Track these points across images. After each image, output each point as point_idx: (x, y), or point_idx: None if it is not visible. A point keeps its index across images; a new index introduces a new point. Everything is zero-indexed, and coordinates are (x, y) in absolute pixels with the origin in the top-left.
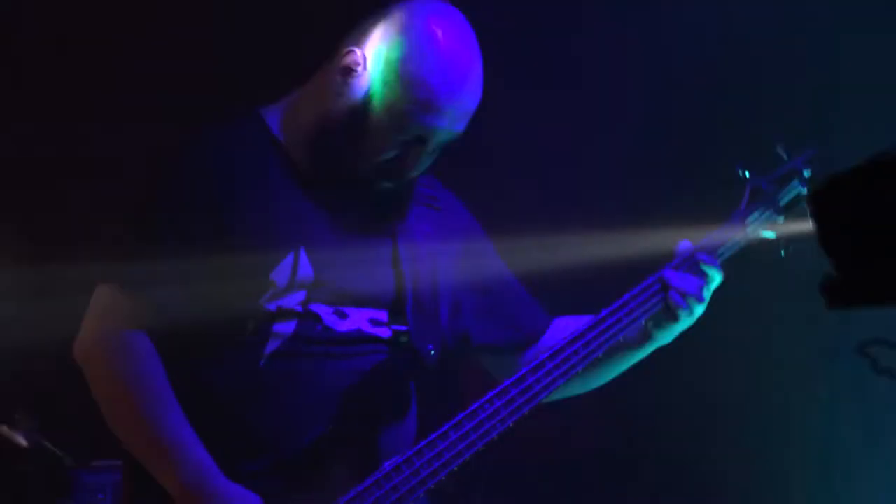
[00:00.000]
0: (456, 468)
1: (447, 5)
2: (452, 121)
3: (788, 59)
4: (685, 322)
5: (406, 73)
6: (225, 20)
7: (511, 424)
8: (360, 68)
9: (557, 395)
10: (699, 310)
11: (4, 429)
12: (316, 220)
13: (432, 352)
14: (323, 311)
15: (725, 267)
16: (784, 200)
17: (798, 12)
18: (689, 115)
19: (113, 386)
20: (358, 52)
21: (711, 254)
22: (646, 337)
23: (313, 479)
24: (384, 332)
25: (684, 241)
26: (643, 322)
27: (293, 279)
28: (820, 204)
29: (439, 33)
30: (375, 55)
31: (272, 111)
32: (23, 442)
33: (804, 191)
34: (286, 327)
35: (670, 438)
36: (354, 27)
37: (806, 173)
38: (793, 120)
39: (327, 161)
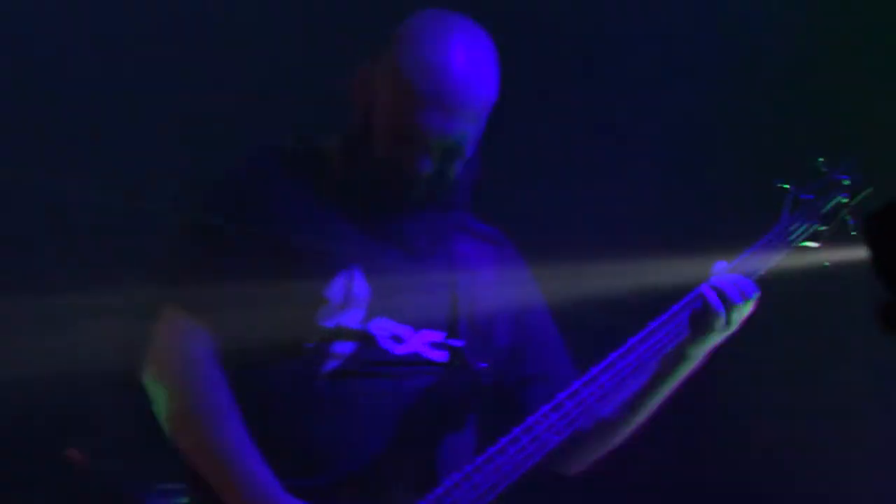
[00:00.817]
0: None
1: (441, 11)
2: (460, 118)
3: (819, 67)
4: (718, 334)
5: (398, 73)
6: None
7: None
8: (370, 82)
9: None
10: (735, 318)
11: (74, 452)
12: (373, 243)
13: (484, 371)
14: (380, 331)
15: (770, 281)
16: (825, 209)
17: (828, 19)
18: (723, 128)
19: (180, 406)
20: (368, 67)
21: (748, 273)
22: (680, 357)
23: (371, 497)
24: (441, 354)
25: (720, 262)
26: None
27: (348, 297)
28: (875, 229)
29: (430, 33)
30: (381, 68)
31: (332, 142)
32: (89, 466)
33: (844, 199)
34: (344, 347)
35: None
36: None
37: (846, 182)
38: (829, 129)
39: (357, 172)
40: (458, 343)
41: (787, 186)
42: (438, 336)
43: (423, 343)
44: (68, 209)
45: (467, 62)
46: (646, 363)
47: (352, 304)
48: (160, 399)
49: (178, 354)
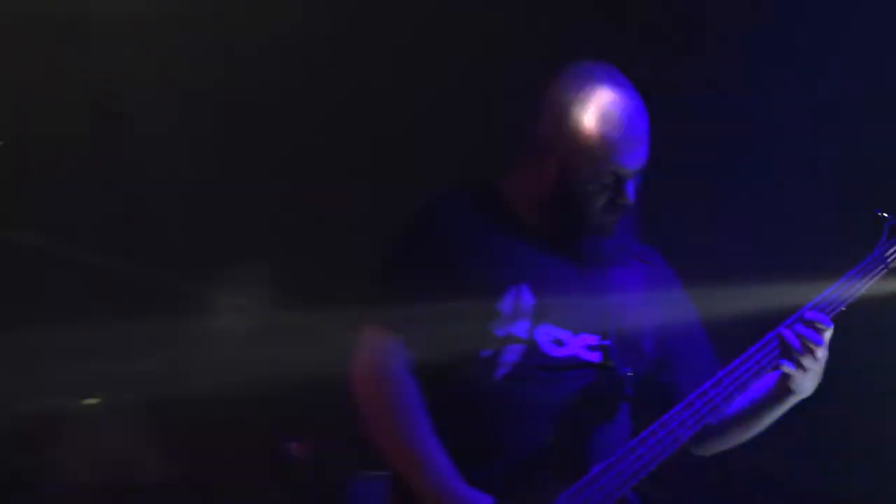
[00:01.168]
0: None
1: (591, 63)
2: (631, 158)
3: None
4: (813, 375)
5: (582, 128)
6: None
7: (693, 432)
8: (548, 139)
9: (717, 444)
10: (812, 364)
11: (294, 446)
12: (538, 263)
13: (631, 375)
14: (543, 338)
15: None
16: None
17: None
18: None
19: (378, 409)
20: (543, 123)
21: (824, 309)
22: (785, 390)
23: (534, 482)
24: (595, 357)
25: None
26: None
27: (517, 309)
28: None
29: (598, 89)
30: (556, 122)
31: (506, 180)
32: (306, 457)
33: None
34: (513, 352)
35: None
36: (538, 100)
37: None
38: None
39: (553, 222)
40: (609, 347)
41: (886, 215)
42: (593, 340)
43: (580, 346)
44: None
45: (632, 105)
46: (763, 369)
47: (519, 315)
48: (363, 401)
49: (378, 365)
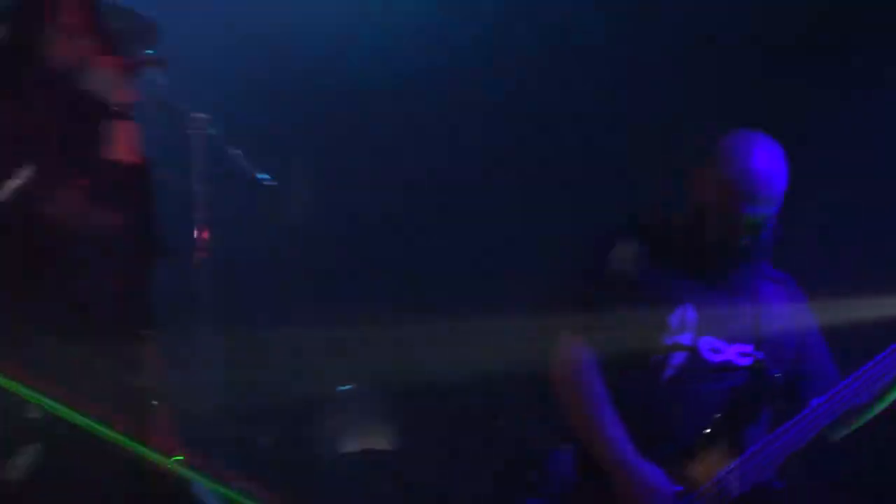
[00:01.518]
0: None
1: (746, 132)
2: (768, 209)
3: None
4: None
5: (724, 179)
6: None
7: (828, 422)
8: (704, 183)
9: (846, 430)
10: None
11: (502, 423)
12: (699, 287)
13: (778, 376)
14: (704, 346)
15: None
16: None
17: None
18: None
19: (575, 399)
20: (702, 171)
21: None
22: None
23: (697, 461)
24: (746, 362)
25: None
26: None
27: (683, 323)
28: None
29: (741, 150)
30: (712, 174)
31: (674, 216)
32: (510, 434)
33: None
34: (678, 357)
35: None
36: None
37: None
38: None
39: (710, 253)
40: (759, 354)
41: None
42: (746, 348)
43: (734, 353)
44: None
45: (768, 168)
46: (888, 373)
47: (685, 328)
48: (562, 392)
49: (574, 365)
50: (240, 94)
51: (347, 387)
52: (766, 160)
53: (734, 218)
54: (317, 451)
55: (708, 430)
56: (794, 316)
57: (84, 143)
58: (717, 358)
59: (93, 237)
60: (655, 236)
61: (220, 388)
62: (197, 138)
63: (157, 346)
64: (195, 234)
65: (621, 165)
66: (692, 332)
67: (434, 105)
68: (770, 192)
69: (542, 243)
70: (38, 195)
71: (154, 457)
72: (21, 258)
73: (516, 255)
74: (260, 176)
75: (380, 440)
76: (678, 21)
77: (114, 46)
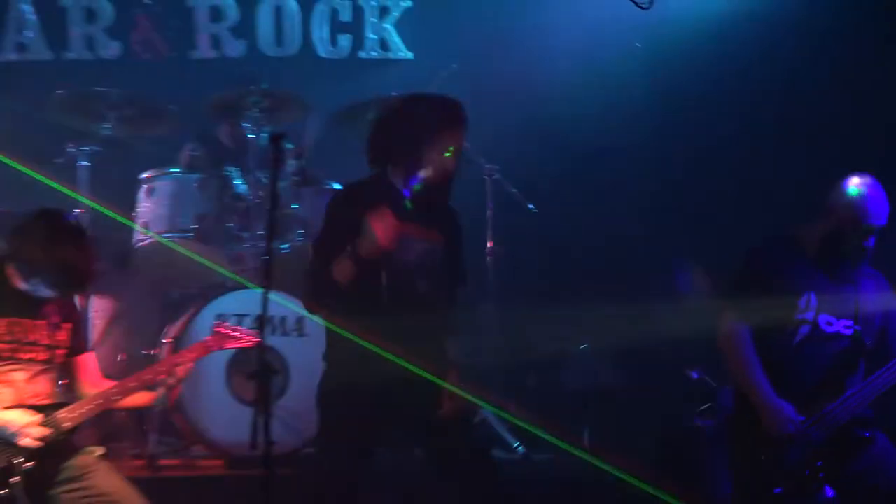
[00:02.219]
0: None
1: (860, 178)
2: (874, 223)
3: None
4: None
5: (850, 211)
6: None
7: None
8: (833, 213)
9: None
10: None
11: (695, 374)
12: (819, 280)
13: (869, 343)
14: (821, 321)
15: None
16: None
17: None
18: None
19: (734, 357)
20: (832, 205)
21: None
22: None
23: (813, 403)
24: (850, 332)
25: None
26: None
27: (807, 305)
28: None
29: (865, 184)
30: (838, 205)
31: (806, 229)
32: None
33: None
34: (804, 329)
35: None
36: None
37: None
38: None
39: (829, 256)
40: (857, 327)
41: None
42: (848, 322)
43: (841, 326)
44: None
45: (879, 195)
46: None
47: (809, 308)
48: (729, 354)
49: (734, 335)
50: (516, 149)
51: (584, 346)
52: (877, 190)
53: (862, 229)
54: (564, 390)
55: (821, 381)
56: (882, 300)
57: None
58: (830, 329)
59: (418, 254)
60: (793, 244)
61: (498, 349)
62: (489, 182)
63: (457, 320)
64: (488, 245)
65: (769, 195)
66: (813, 311)
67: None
68: (881, 210)
69: (720, 249)
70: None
71: (452, 390)
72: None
73: (702, 257)
74: (529, 206)
75: (608, 382)
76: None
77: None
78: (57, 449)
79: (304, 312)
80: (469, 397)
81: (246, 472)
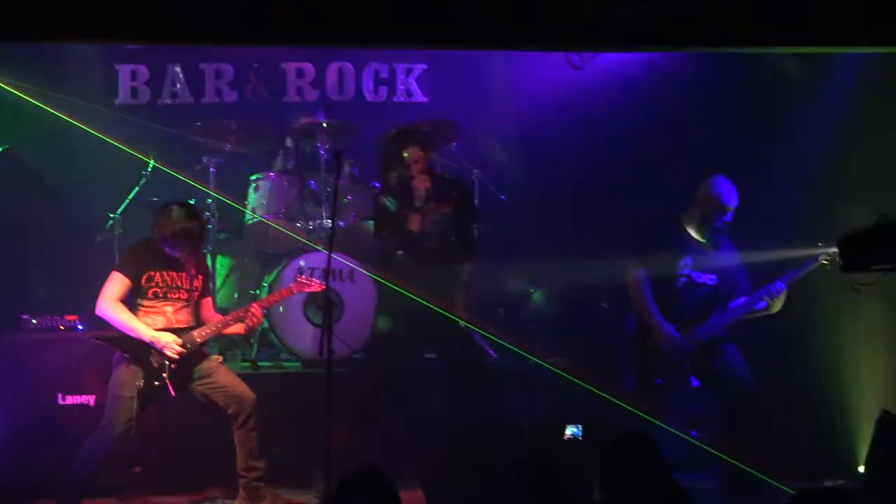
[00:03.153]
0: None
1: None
2: (729, 201)
3: None
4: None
5: (710, 197)
6: None
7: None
8: (701, 199)
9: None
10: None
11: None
12: (693, 247)
13: (725, 290)
14: (694, 274)
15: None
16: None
17: None
18: None
19: (637, 294)
20: (700, 194)
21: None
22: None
23: (688, 328)
24: (713, 282)
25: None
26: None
27: (685, 264)
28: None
29: (720, 182)
30: (704, 194)
31: (685, 213)
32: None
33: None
34: (683, 278)
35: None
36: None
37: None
38: None
39: (701, 229)
40: (716, 280)
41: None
42: (712, 276)
43: (707, 278)
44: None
45: (730, 190)
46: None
47: (686, 266)
48: (633, 294)
49: (638, 280)
50: (495, 159)
51: (536, 288)
52: (728, 187)
53: (720, 209)
54: (523, 317)
55: (694, 313)
56: (733, 262)
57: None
58: (699, 280)
59: (433, 219)
60: (676, 223)
61: (479, 291)
62: (476, 181)
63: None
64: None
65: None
66: (689, 268)
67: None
68: (732, 202)
69: (630, 226)
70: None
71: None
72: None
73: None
74: (502, 196)
75: (552, 311)
76: None
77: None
78: (191, 357)
79: (355, 266)
80: (462, 322)
81: (315, 371)
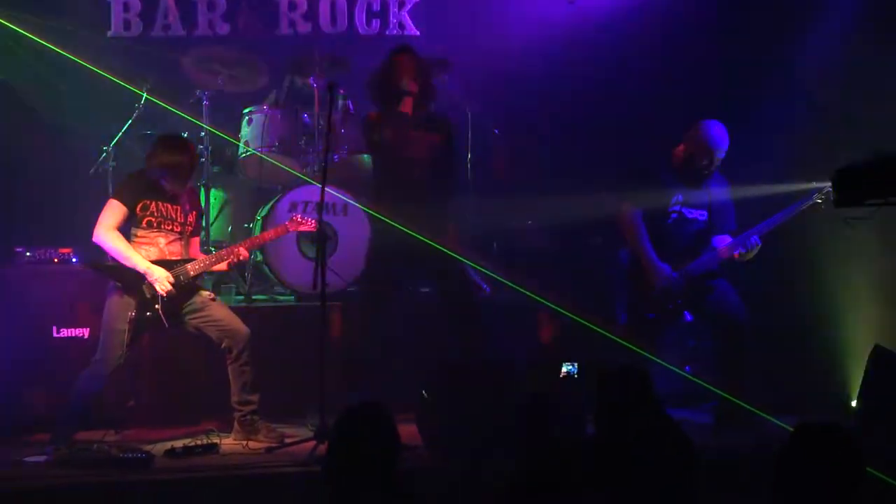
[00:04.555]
0: None
1: (712, 120)
2: (721, 149)
3: None
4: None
5: (703, 139)
6: None
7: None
8: (691, 139)
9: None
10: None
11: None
12: (684, 184)
13: (714, 226)
14: (685, 209)
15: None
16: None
17: None
18: None
19: (630, 230)
20: (691, 134)
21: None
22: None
23: (680, 263)
24: (704, 217)
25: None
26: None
27: (677, 201)
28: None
29: (711, 125)
30: (695, 134)
31: (675, 151)
32: None
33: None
34: (674, 214)
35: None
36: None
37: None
38: None
39: (690, 168)
40: (707, 215)
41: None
42: (703, 212)
43: (698, 214)
44: None
45: (722, 133)
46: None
47: (677, 203)
48: (627, 231)
49: (631, 216)
50: (488, 92)
51: (529, 223)
52: (720, 131)
53: (708, 152)
54: (517, 252)
55: (685, 247)
56: (723, 195)
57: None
58: (690, 216)
59: (419, 149)
60: (668, 160)
61: (475, 224)
62: (469, 115)
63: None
64: (468, 156)
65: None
66: (680, 205)
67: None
68: (722, 148)
69: (621, 163)
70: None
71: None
72: (393, 166)
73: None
74: (495, 130)
75: (544, 245)
76: None
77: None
78: (185, 290)
79: (349, 200)
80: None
81: (310, 304)
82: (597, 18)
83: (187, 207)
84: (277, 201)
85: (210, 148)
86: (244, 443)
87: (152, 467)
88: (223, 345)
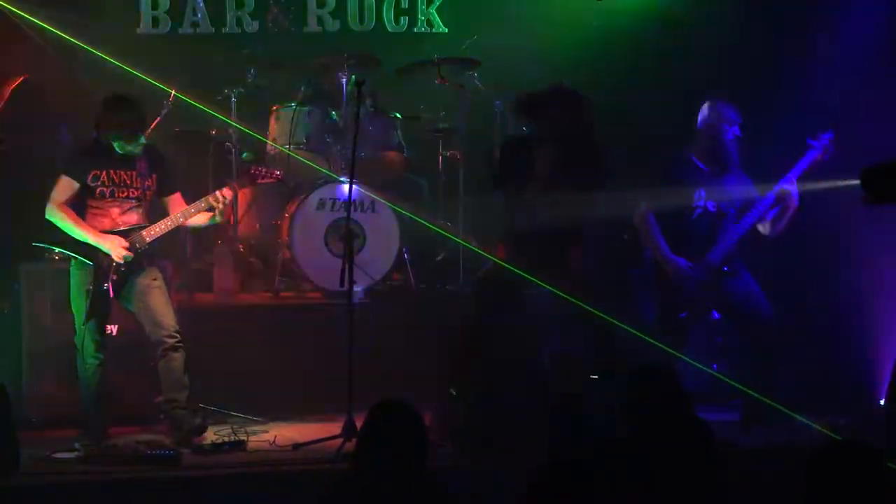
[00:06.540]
0: None
1: (719, 98)
2: (730, 116)
3: None
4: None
5: (713, 121)
6: None
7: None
8: (704, 125)
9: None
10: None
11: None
12: (705, 176)
13: (734, 213)
14: (707, 203)
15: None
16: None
17: None
18: None
19: (646, 230)
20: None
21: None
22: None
23: (699, 254)
24: (729, 211)
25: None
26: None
27: (700, 195)
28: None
29: (725, 105)
30: (705, 119)
31: (690, 146)
32: None
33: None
34: (699, 209)
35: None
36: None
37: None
38: None
39: (709, 159)
40: (733, 210)
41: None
42: (727, 204)
43: (710, 203)
44: None
45: (733, 112)
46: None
47: (700, 198)
48: (641, 229)
49: (644, 218)
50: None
51: None
52: (727, 105)
53: (723, 125)
54: None
55: (706, 238)
56: (743, 190)
57: None
58: (713, 210)
59: None
60: (685, 154)
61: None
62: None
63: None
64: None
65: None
66: (703, 200)
67: None
68: (736, 117)
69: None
70: None
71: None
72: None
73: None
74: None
75: None
76: None
77: None
78: (136, 265)
79: (376, 197)
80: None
81: (337, 302)
82: (626, 15)
83: (144, 171)
84: (304, 198)
85: (238, 145)
86: (272, 439)
87: (181, 464)
88: (151, 337)
